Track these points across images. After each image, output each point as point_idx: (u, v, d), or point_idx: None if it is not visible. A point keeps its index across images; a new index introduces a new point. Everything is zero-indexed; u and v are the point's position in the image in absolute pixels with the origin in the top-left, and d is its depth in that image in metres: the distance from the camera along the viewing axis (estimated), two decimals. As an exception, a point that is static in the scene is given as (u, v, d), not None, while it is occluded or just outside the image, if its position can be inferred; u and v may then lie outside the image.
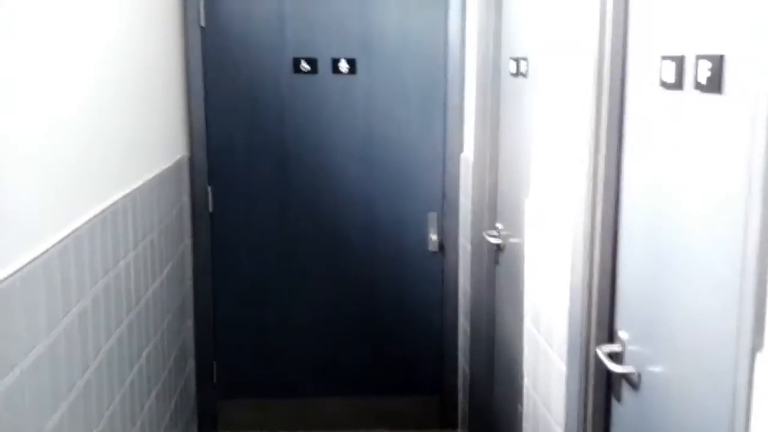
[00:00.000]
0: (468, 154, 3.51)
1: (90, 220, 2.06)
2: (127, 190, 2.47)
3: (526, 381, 2.57)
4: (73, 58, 1.95)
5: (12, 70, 1.59)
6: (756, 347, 1.21)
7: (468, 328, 3.59)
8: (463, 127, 3.63)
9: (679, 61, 1.49)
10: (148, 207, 2.75)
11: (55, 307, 1.78)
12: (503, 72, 3.06)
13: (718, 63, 1.34)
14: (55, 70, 1.83)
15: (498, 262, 3.24)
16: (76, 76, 1.97)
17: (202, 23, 3.56)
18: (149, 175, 2.79)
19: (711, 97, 1.38)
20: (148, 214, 2.75)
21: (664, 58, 1.56)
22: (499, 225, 3.20)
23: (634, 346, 1.78)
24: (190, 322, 3.65)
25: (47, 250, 1.74)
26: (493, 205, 3.25)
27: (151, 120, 2.88)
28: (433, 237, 3.77)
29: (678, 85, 1.51)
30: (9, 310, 1.54)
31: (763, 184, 1.18)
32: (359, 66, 3.67)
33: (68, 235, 1.88)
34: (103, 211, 2.17)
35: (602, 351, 1.85)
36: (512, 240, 2.95)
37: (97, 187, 2.16)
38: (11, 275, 1.55)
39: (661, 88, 1.59)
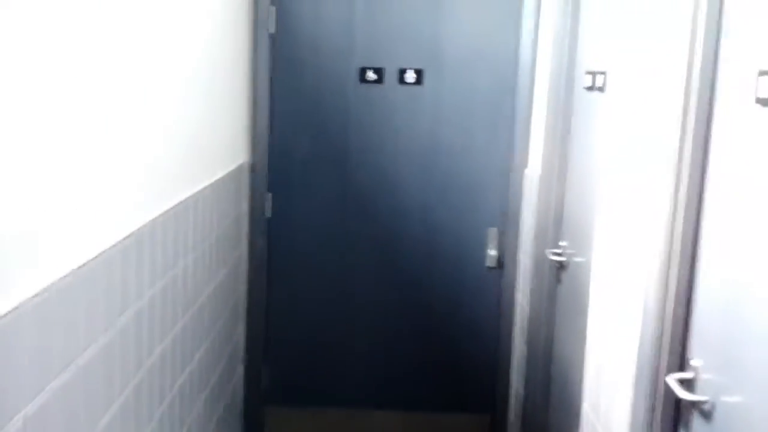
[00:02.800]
0: (532, 170, 3.43)
1: (153, 221, 2.04)
2: (189, 193, 2.45)
3: (586, 405, 2.49)
4: (144, 60, 1.94)
5: (81, 68, 1.57)
6: None
7: (524, 348, 3.50)
8: (529, 141, 3.55)
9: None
10: (209, 210, 2.73)
11: (113, 306, 1.76)
12: (576, 86, 2.98)
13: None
14: (122, 71, 1.81)
15: (560, 281, 3.15)
16: (144, 77, 1.96)
17: (272, 30, 3.56)
18: (211, 179, 2.78)
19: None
20: (208, 216, 2.74)
21: (762, 73, 1.47)
22: (562, 243, 3.11)
23: (708, 375, 1.70)
24: (241, 327, 3.63)
25: (109, 248, 1.72)
26: (558, 223, 3.16)
27: (217, 125, 2.86)
28: (492, 252, 3.70)
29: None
30: (69, 307, 1.52)
31: None
32: (426, 76, 3.62)
33: (130, 235, 1.86)
34: (164, 213, 2.16)
35: (673, 378, 1.77)
36: (577, 259, 2.86)
37: (161, 188, 2.14)
38: (72, 272, 1.53)
39: (757, 105, 1.50)
